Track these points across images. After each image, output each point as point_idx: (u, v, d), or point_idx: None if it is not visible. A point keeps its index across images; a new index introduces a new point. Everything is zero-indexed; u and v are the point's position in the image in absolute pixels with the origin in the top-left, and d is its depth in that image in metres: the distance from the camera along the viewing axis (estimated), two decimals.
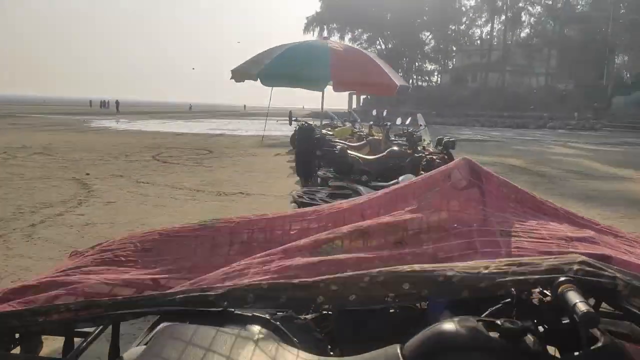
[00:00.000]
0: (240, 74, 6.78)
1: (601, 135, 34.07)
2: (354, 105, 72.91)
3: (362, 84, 6.24)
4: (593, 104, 45.04)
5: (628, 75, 55.85)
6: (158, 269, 1.41)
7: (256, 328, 1.21)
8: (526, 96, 53.47)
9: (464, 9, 66.58)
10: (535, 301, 1.27)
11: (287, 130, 29.70)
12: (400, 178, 5.20)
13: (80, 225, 6.37)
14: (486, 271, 1.08)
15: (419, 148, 6.66)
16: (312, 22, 64.09)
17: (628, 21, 51.21)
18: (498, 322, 1.33)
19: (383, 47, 68.59)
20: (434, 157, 5.55)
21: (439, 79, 72.43)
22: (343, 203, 1.66)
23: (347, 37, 67.43)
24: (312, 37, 64.50)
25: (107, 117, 43.99)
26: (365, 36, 68.78)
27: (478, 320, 1.33)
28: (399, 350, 1.31)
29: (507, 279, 1.05)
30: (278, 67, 5.96)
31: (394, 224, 1.39)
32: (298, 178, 10.96)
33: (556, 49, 55.47)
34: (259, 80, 6.74)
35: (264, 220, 1.63)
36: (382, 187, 5.19)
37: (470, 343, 1.25)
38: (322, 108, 7.83)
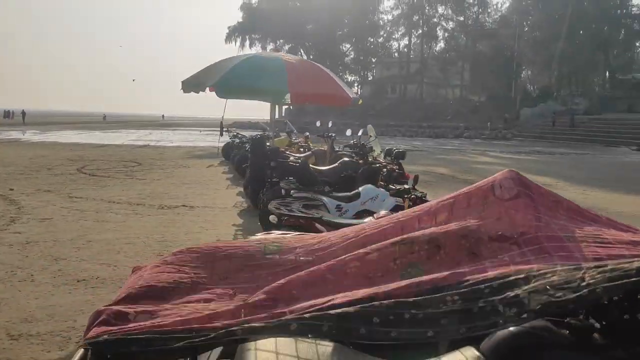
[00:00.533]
0: (190, 85, 6.65)
1: (513, 145, 36.36)
2: (277, 116, 73.12)
3: (318, 96, 6.29)
4: (504, 115, 47.97)
5: (532, 88, 60.14)
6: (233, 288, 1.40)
7: None
8: (443, 107, 56.06)
9: (381, 22, 68.62)
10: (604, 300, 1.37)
11: (212, 140, 29.44)
12: (360, 189, 5.33)
13: (21, 244, 5.94)
14: (584, 283, 1.16)
15: (370, 159, 6.83)
16: (234, 32, 63.58)
17: (531, 38, 55.27)
18: (567, 321, 1.43)
19: (305, 57, 69.35)
20: (394, 167, 5.72)
21: (359, 90, 74.16)
22: (397, 216, 1.71)
23: (269, 47, 67.50)
24: (234, 46, 64.01)
25: (15, 128, 41.22)
26: (287, 47, 69.14)
27: (547, 319, 1.42)
28: (476, 352, 1.37)
29: (606, 285, 1.14)
30: (234, 79, 5.89)
31: (462, 234, 1.46)
32: (238, 190, 10.89)
33: (469, 63, 58.69)
34: (207, 90, 6.63)
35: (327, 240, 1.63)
36: (345, 197, 5.28)
37: (544, 340, 1.34)
38: (271, 119, 7.79)
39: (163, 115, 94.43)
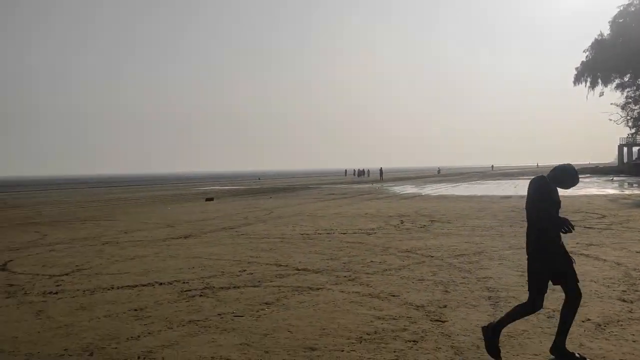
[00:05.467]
0: None
1: None
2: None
3: None
4: None
5: None
6: None
7: None
8: None
9: None
10: None
11: None
12: None
13: None
14: None
15: None
16: (583, 73, 58.96)
17: None
18: None
19: None
20: None
21: None
22: None
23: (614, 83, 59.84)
24: (583, 87, 59.31)
25: (396, 185, 45.30)
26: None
27: None
28: None
29: None
30: None
31: None
32: None
33: None
34: None
35: None
36: None
37: None
38: None
39: (492, 166, 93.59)
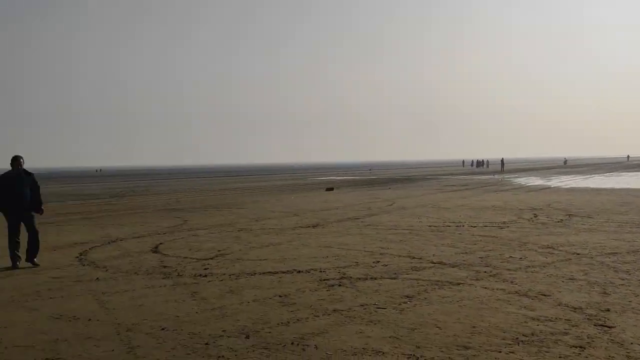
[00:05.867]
0: None
1: None
2: None
3: None
4: None
5: None
6: None
7: None
8: None
9: None
10: None
11: None
12: None
13: None
14: None
15: None
16: None
17: None
18: None
19: None
20: None
21: None
22: None
23: None
24: None
25: (520, 176, 43.21)
26: None
27: None
28: None
29: None
30: None
31: None
32: None
33: None
34: None
35: None
36: None
37: None
38: None
39: (628, 156, 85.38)
